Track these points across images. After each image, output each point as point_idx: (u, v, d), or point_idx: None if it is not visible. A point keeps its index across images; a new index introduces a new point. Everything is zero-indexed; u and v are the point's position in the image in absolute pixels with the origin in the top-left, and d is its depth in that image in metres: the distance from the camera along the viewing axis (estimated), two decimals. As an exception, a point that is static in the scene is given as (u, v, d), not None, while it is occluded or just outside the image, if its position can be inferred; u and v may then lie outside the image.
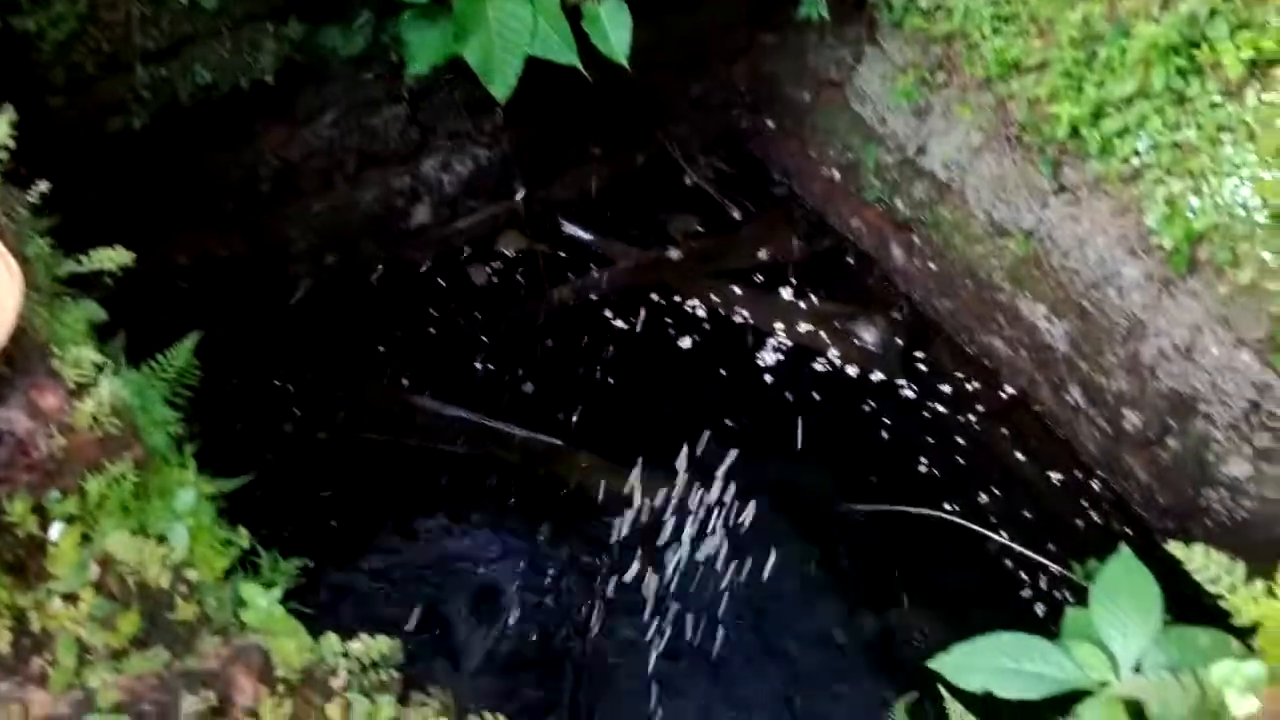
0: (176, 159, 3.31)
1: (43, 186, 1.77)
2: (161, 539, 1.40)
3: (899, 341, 3.98)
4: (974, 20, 3.52)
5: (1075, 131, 3.25)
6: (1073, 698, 2.01)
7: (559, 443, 3.70)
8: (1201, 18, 2.94)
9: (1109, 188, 3.25)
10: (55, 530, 1.37)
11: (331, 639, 1.23)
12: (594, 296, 4.11)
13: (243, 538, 1.46)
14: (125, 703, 1.07)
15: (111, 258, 1.75)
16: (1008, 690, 2.07)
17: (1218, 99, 2.95)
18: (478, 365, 3.89)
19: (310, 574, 2.00)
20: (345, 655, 1.20)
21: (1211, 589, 1.70)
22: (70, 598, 1.36)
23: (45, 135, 1.86)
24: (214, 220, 3.52)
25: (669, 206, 4.44)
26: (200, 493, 1.42)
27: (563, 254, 4.24)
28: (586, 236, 4.30)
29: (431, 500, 3.58)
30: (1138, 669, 2.02)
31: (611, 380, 3.89)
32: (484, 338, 3.97)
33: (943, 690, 2.20)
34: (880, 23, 3.88)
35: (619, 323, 4.05)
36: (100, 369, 1.45)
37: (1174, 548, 1.79)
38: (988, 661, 2.13)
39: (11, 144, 1.75)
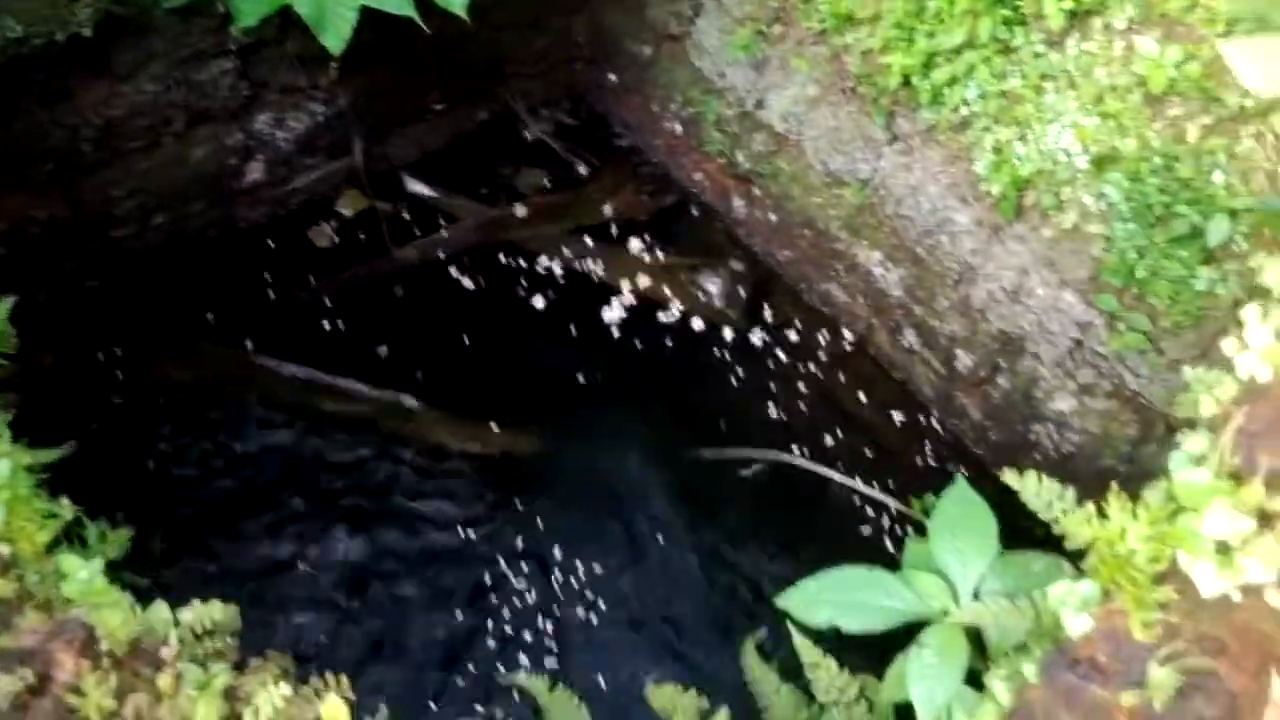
0: (-14, 117, 3.12)
1: None
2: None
3: (742, 292, 4.07)
4: (808, -28, 3.60)
5: (907, 82, 3.35)
6: (916, 628, 2.09)
7: (411, 400, 3.67)
8: (1025, -32, 3.07)
9: (940, 137, 3.38)
10: None
11: (160, 608, 1.20)
12: (440, 255, 4.07)
13: (65, 509, 1.41)
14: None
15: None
16: (853, 623, 2.14)
17: (1041, 49, 3.09)
18: (320, 326, 3.82)
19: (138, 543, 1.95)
20: (176, 624, 1.18)
21: (1044, 516, 1.79)
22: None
23: None
24: (31, 183, 3.33)
25: (513, 162, 4.41)
26: (17, 463, 1.36)
27: (405, 214, 4.18)
28: (430, 193, 4.25)
29: (275, 462, 3.52)
30: (976, 596, 2.11)
31: (461, 339, 3.87)
32: (325, 300, 3.89)
33: (790, 627, 2.28)
34: (717, -24, 3.93)
35: (466, 281, 4.03)
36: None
37: (1009, 476, 1.89)
38: (833, 596, 2.20)
39: None
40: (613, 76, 4.53)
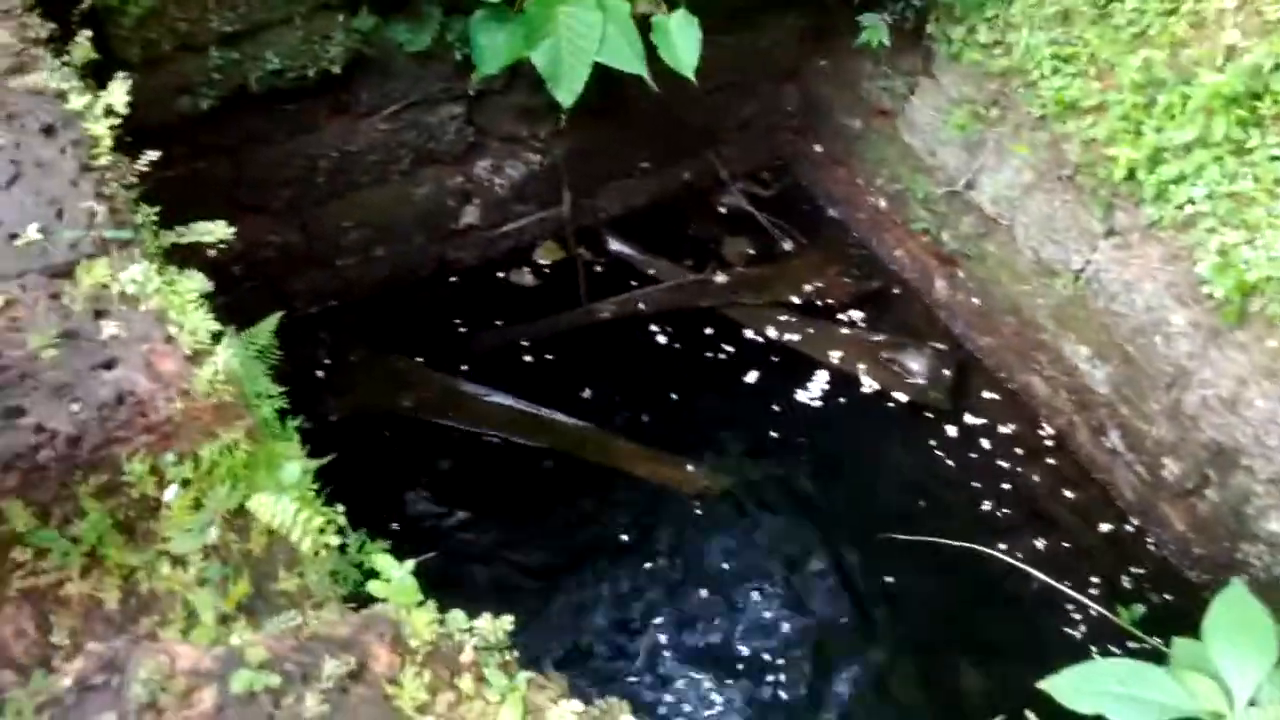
0: (238, 145, 3.40)
1: (152, 155, 1.86)
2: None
3: (946, 373, 4.07)
4: (1033, 58, 3.61)
5: (1131, 175, 3.33)
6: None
7: (618, 438, 3.82)
8: (1266, 69, 3.03)
9: (1161, 234, 3.33)
10: (170, 493, 1.45)
11: (458, 615, 1.29)
12: (638, 310, 4.21)
13: (339, 516, 1.53)
14: (270, 660, 1.14)
15: (210, 230, 1.84)
16: (1121, 716, 2.12)
17: (1278, 151, 3.03)
18: (519, 364, 4.00)
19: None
20: (470, 631, 1.27)
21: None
22: (179, 561, 1.44)
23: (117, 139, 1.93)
24: (270, 209, 3.61)
25: (715, 227, 4.53)
26: (305, 467, 1.50)
27: (599, 268, 4.34)
28: (631, 252, 4.39)
29: (483, 483, 3.69)
30: (1253, 703, 2.07)
31: (655, 389, 3.99)
32: (524, 342, 4.06)
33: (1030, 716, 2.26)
34: (937, 55, 3.97)
35: (661, 338, 4.14)
36: (217, 337, 1.54)
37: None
38: (1100, 686, 2.17)
39: (125, 110, 1.84)
40: (819, 147, 4.61)
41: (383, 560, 1.29)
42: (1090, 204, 3.52)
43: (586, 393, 3.96)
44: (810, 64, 4.45)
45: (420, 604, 1.27)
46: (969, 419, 3.99)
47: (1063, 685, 2.19)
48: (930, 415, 3.99)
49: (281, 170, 3.55)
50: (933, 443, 3.92)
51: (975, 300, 4.07)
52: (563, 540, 3.60)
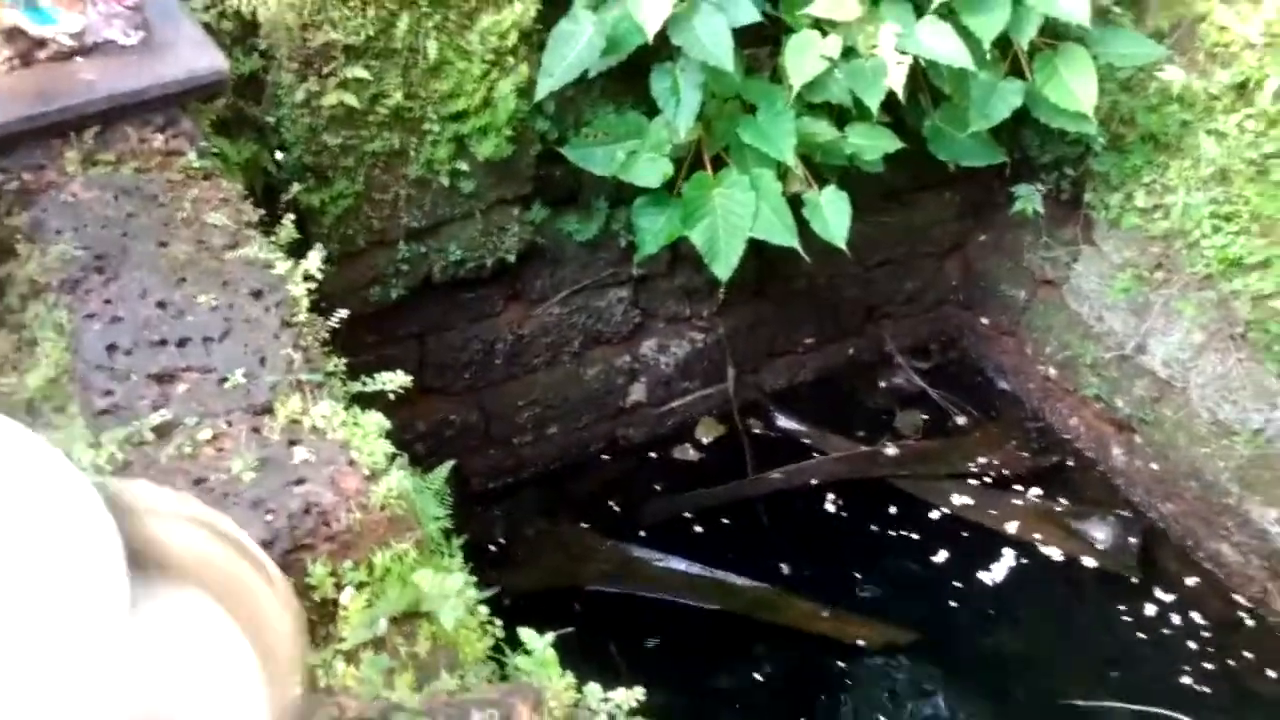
0: (423, 331, 3.75)
1: (342, 313, 2.15)
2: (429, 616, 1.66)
3: (1133, 541, 4.02)
4: (1193, 218, 3.67)
5: (1304, 328, 3.33)
6: None
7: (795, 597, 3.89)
8: None
9: (1343, 385, 3.29)
10: (346, 594, 1.64)
11: (594, 687, 1.43)
12: (808, 480, 4.32)
13: (497, 628, 1.70)
14: (425, 711, 1.29)
15: (391, 380, 2.10)
16: None
17: None
18: (691, 531, 4.14)
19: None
20: (605, 701, 1.40)
21: None
22: (352, 657, 1.62)
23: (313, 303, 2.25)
24: (450, 390, 3.93)
25: (883, 401, 4.65)
26: (467, 581, 1.68)
27: (764, 442, 4.49)
28: (797, 426, 4.53)
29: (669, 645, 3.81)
30: None
31: (823, 564, 4.06)
32: (688, 514, 4.21)
33: None
34: (1096, 221, 4.07)
35: (830, 508, 4.24)
36: (391, 460, 1.76)
37: None
38: None
39: (319, 276, 2.14)
40: (985, 320, 4.71)
41: (525, 633, 1.44)
42: (1265, 360, 3.51)
43: (757, 561, 4.05)
44: (971, 238, 4.60)
45: (560, 674, 1.41)
46: (1157, 588, 3.90)
47: None
48: (1115, 585, 3.92)
49: (461, 354, 3.88)
50: (1119, 612, 3.86)
51: (1154, 466, 4.02)
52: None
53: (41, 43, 2.41)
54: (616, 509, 4.22)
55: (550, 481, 4.29)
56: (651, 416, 4.43)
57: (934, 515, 4.22)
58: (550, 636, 1.47)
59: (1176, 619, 3.81)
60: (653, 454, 4.44)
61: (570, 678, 1.43)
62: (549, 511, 4.19)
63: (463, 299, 3.77)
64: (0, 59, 2.38)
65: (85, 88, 2.41)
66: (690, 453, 4.46)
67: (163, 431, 1.81)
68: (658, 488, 4.32)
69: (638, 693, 1.43)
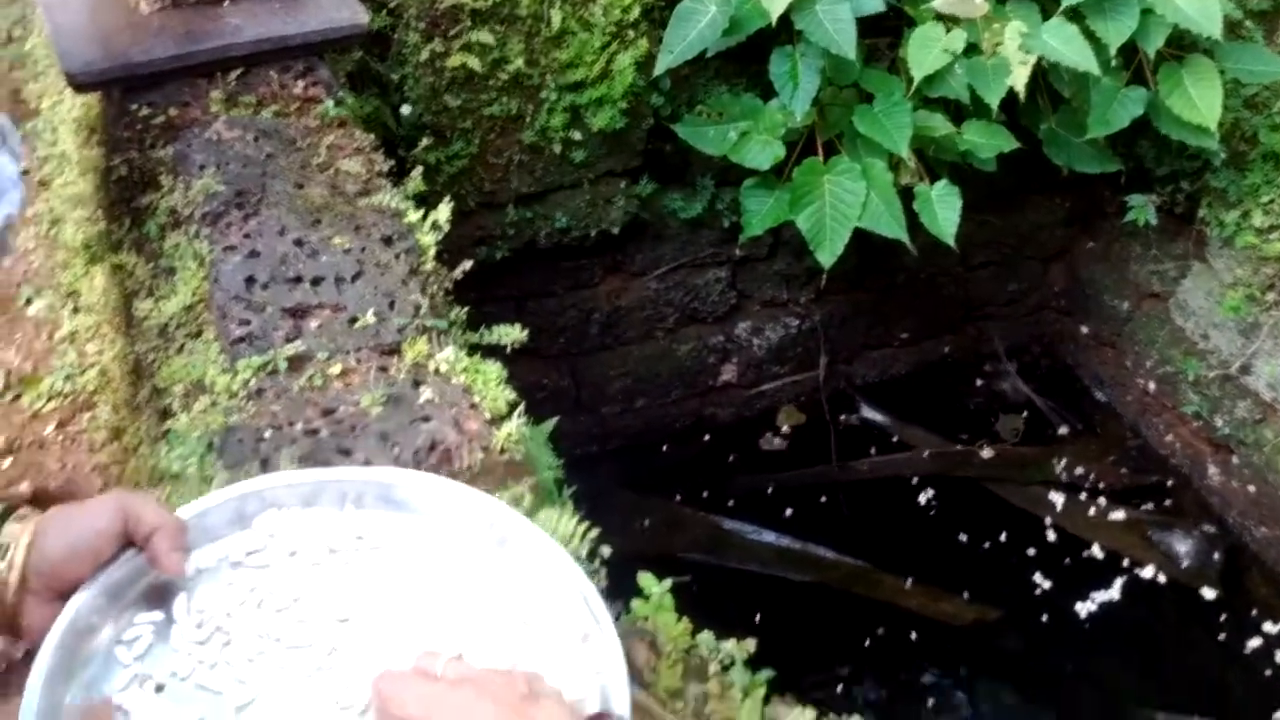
0: (522, 295, 3.89)
1: (466, 264, 2.28)
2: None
3: (1216, 557, 4.04)
4: (1311, 241, 3.68)
5: None
6: None
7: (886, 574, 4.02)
8: None
9: None
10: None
11: (708, 635, 1.53)
12: (899, 472, 4.41)
13: (602, 578, 1.81)
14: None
15: (508, 333, 2.22)
16: None
17: None
18: (775, 512, 4.24)
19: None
20: (717, 650, 1.50)
21: None
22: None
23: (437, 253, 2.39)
24: (544, 354, 4.06)
25: (977, 402, 4.71)
26: (576, 528, 1.79)
27: (847, 432, 4.57)
28: (883, 419, 4.60)
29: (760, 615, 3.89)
30: None
31: (908, 552, 4.13)
32: (769, 491, 4.33)
33: None
34: (1209, 238, 4.07)
35: (916, 501, 4.31)
36: (512, 408, 1.88)
37: None
38: None
39: (446, 226, 2.27)
40: (1086, 328, 4.73)
41: (645, 579, 1.55)
42: (1376, 387, 3.50)
43: (838, 546, 4.15)
44: (1078, 245, 4.62)
45: (677, 617, 1.52)
46: (1244, 608, 3.92)
47: None
48: (1200, 598, 3.96)
49: (558, 320, 4.00)
50: (1203, 628, 3.88)
51: (1251, 488, 4.02)
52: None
53: (191, -15, 2.57)
54: (701, 485, 4.32)
55: (636, 454, 4.40)
56: (740, 398, 4.52)
57: (1021, 516, 4.27)
58: (668, 582, 1.58)
59: (1259, 642, 3.82)
60: (738, 435, 4.53)
61: (686, 623, 1.53)
62: (634, 483, 4.29)
63: (564, 267, 3.90)
64: (152, -1, 2.54)
65: (231, 31, 2.56)
66: (774, 441, 4.54)
67: (295, 363, 1.94)
68: (741, 468, 4.41)
69: (749, 645, 1.53)
